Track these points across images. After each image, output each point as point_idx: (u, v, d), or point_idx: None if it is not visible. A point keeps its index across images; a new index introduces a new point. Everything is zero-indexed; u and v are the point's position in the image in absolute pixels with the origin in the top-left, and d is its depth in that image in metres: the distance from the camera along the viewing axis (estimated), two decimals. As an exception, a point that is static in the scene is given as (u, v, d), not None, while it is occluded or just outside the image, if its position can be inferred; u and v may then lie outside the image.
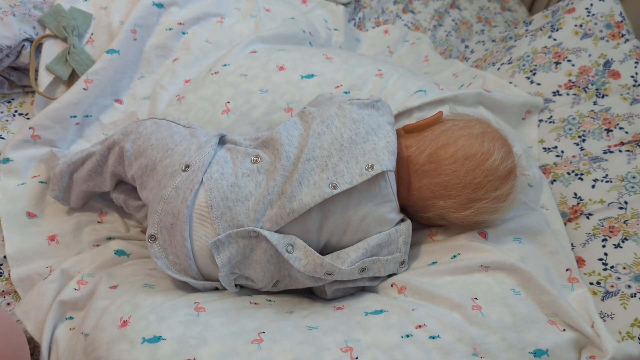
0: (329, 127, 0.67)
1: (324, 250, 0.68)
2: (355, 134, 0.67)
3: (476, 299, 0.64)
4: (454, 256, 0.71)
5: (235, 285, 0.68)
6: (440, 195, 0.68)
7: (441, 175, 0.67)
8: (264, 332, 0.60)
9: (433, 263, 0.71)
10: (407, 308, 0.64)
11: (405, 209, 0.73)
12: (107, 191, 0.78)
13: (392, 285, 0.70)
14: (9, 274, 0.73)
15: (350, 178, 0.64)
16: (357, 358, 0.58)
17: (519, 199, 0.78)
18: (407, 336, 0.60)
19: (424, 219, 0.74)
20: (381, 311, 0.64)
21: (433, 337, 0.60)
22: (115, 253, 0.75)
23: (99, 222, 0.80)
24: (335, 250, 0.67)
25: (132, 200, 0.76)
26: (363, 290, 0.73)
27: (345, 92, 0.84)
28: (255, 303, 0.67)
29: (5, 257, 0.73)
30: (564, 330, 0.64)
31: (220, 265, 0.62)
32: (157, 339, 0.57)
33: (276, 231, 0.64)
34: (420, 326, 0.62)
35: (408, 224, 0.70)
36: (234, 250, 0.63)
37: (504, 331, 0.62)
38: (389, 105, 0.75)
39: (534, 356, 0.60)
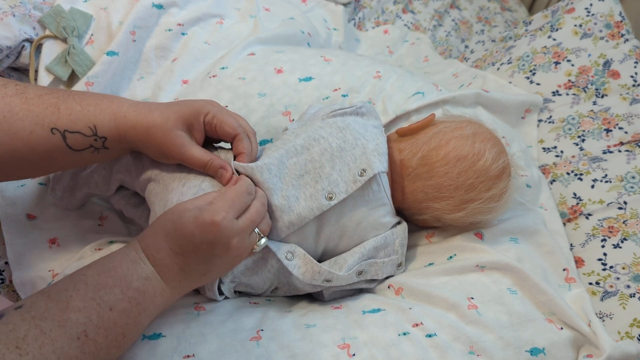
0: (317, 140, 0.66)
1: (322, 258, 0.69)
2: (344, 141, 0.66)
3: (472, 298, 0.64)
4: (450, 257, 0.71)
5: (235, 292, 0.68)
6: (433, 197, 0.68)
7: (434, 177, 0.67)
8: (262, 330, 0.60)
9: (430, 264, 0.72)
10: (404, 307, 0.64)
11: (401, 212, 0.74)
12: (108, 195, 0.78)
13: (389, 287, 0.70)
14: (10, 281, 0.73)
15: (345, 187, 0.64)
16: (354, 355, 0.58)
17: (516, 199, 0.78)
18: (404, 334, 0.60)
19: (420, 221, 0.74)
20: (378, 310, 0.64)
21: (429, 336, 0.61)
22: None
23: (99, 225, 0.80)
24: (333, 257, 0.68)
25: (132, 207, 0.76)
26: (361, 291, 0.73)
27: (344, 95, 0.84)
28: (255, 303, 0.67)
29: (6, 262, 0.73)
30: (562, 328, 0.64)
31: (222, 277, 0.63)
32: (157, 335, 0.57)
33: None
34: (417, 324, 0.62)
35: (404, 226, 0.70)
36: None
37: (501, 330, 0.62)
38: (374, 108, 0.74)
39: (531, 354, 0.60)
